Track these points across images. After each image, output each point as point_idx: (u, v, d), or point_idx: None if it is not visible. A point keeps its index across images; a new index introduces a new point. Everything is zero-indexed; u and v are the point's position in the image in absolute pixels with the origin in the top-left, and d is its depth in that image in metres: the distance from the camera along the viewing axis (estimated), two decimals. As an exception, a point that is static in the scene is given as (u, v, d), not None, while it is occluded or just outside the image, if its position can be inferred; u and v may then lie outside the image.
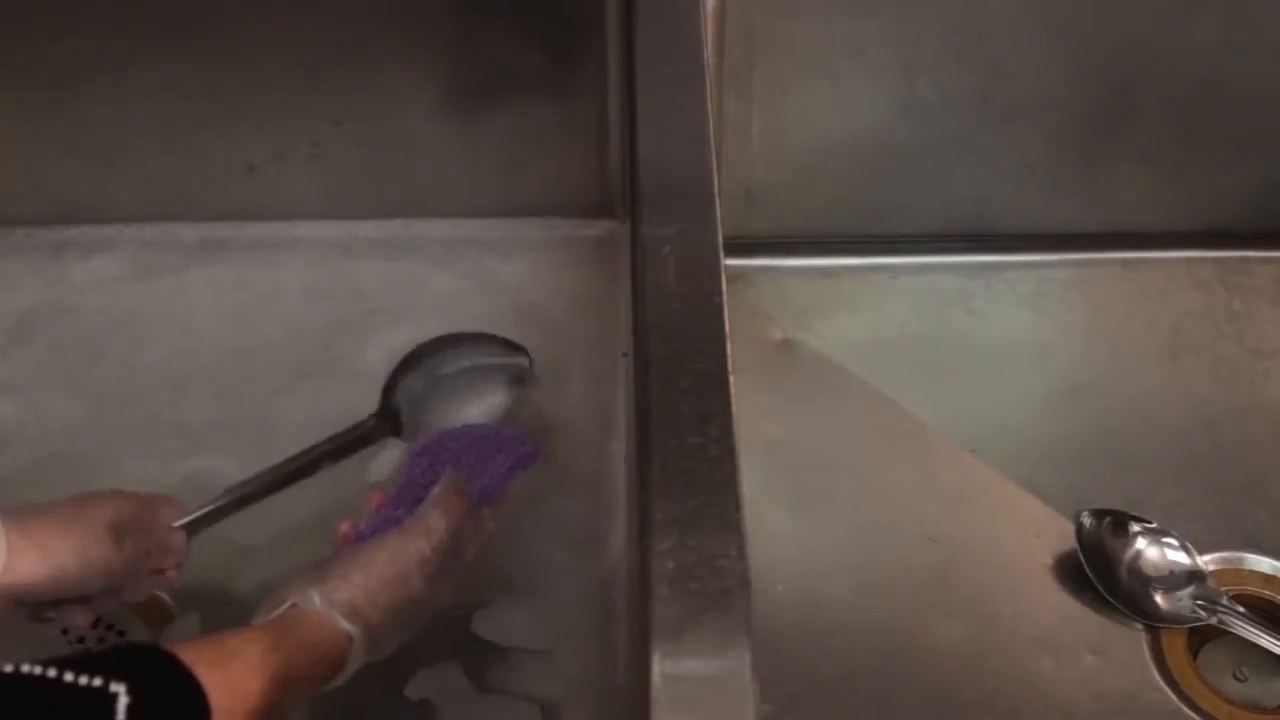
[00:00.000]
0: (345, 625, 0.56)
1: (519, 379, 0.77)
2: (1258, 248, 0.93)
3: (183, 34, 0.82)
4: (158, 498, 0.65)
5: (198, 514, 0.66)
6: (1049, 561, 0.75)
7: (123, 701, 0.45)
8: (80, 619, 0.62)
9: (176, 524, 0.66)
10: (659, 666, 0.44)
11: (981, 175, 0.90)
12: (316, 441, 0.72)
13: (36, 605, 0.60)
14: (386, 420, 0.75)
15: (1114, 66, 0.84)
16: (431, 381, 0.77)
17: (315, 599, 0.56)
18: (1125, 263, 0.92)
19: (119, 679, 0.45)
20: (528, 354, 0.78)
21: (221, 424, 0.81)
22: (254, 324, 0.87)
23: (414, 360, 0.77)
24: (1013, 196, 0.91)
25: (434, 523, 0.62)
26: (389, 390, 0.76)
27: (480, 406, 0.76)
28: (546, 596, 0.73)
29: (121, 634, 0.72)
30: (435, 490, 0.64)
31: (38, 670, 0.44)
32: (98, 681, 0.45)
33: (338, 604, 0.56)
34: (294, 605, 0.56)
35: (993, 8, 0.80)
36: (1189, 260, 0.92)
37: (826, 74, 0.83)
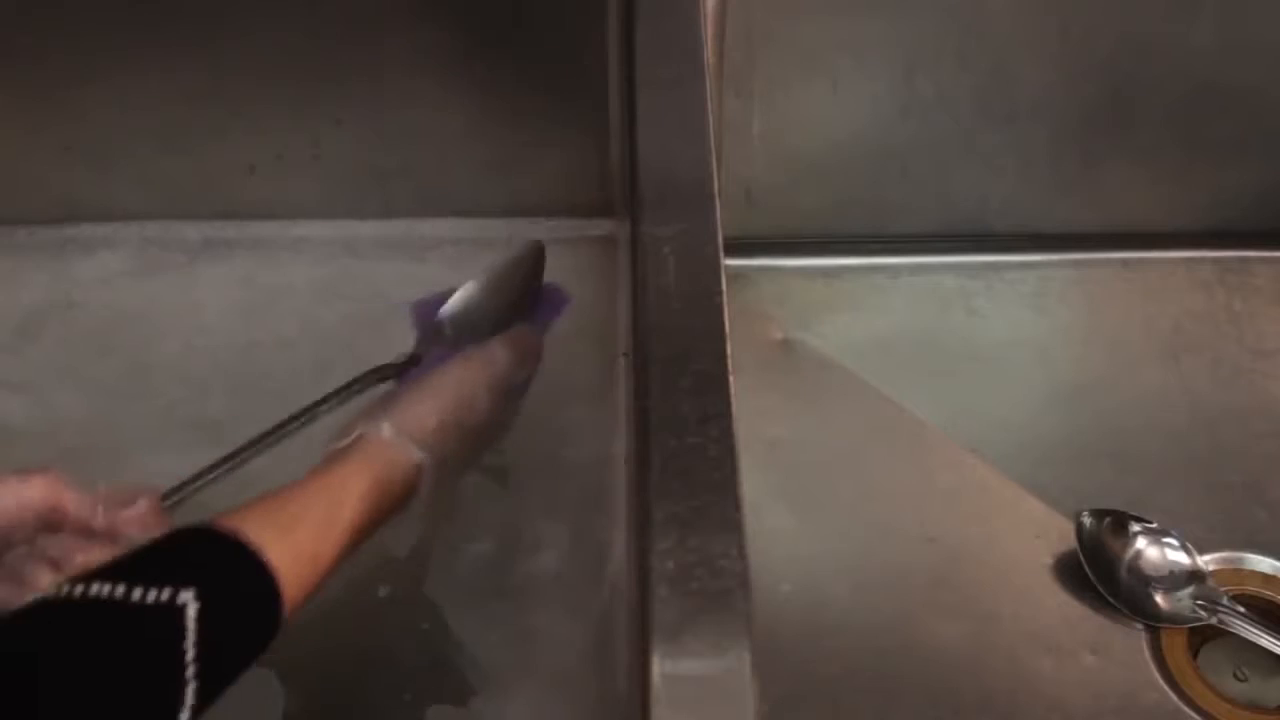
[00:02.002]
0: (416, 454, 0.56)
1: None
2: (1258, 248, 0.93)
3: (183, 33, 0.82)
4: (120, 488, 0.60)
5: (180, 495, 0.63)
6: (1049, 561, 0.75)
7: (192, 611, 0.44)
8: (11, 596, 0.54)
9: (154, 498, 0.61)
10: (659, 666, 0.44)
11: (981, 175, 0.90)
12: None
13: None
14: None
15: (1114, 66, 0.84)
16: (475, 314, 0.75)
17: (384, 428, 0.56)
18: (1125, 263, 0.92)
19: (186, 584, 0.44)
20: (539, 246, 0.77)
21: (241, 418, 0.80)
22: (267, 320, 0.87)
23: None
24: (1013, 196, 0.91)
25: (498, 352, 0.63)
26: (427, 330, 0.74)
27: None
28: (545, 596, 0.73)
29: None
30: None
31: (105, 591, 0.43)
32: (166, 594, 0.43)
33: (407, 431, 0.57)
34: (361, 436, 0.56)
35: (993, 8, 0.81)
36: (1189, 260, 0.92)
37: (826, 74, 0.84)
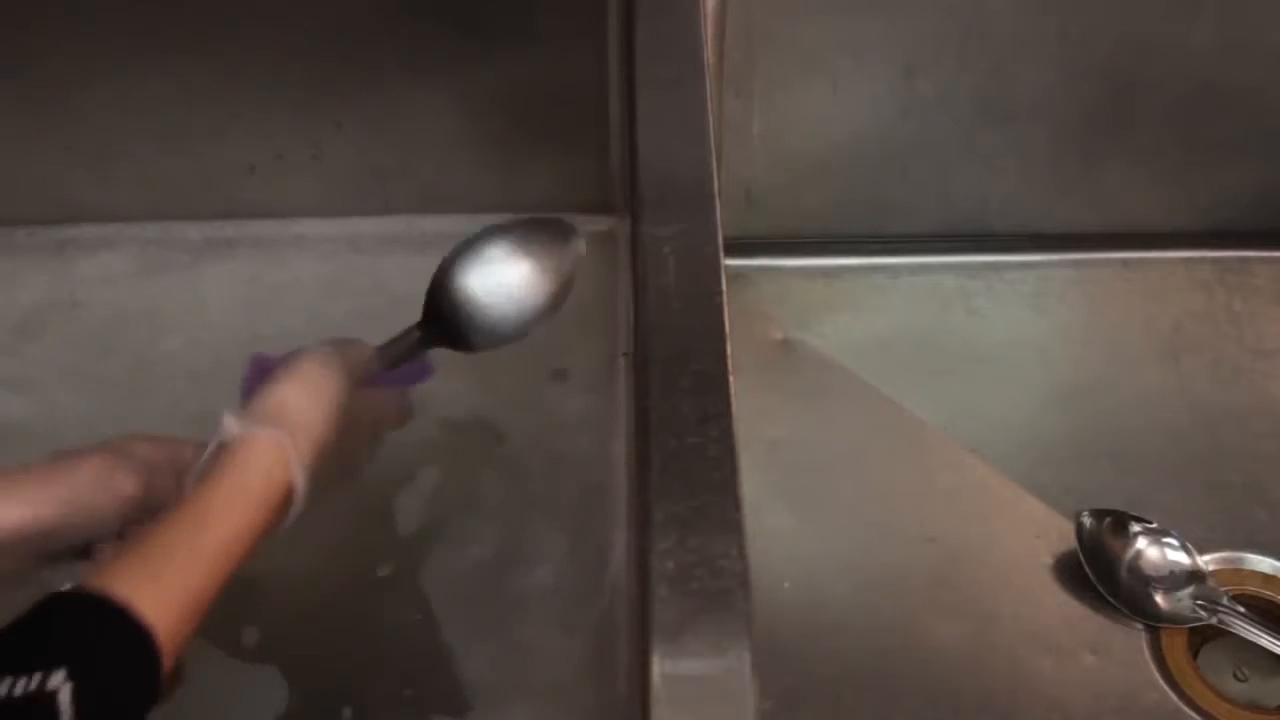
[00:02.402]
0: (272, 436, 0.54)
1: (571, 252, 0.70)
2: (1258, 248, 0.93)
3: (183, 34, 0.82)
4: (180, 440, 0.61)
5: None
6: (1049, 561, 0.75)
7: (65, 696, 0.42)
8: None
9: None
10: (659, 666, 0.44)
11: (981, 175, 0.90)
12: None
13: (57, 555, 0.56)
14: (436, 328, 0.68)
15: (1114, 66, 0.84)
16: (485, 279, 0.68)
17: (230, 424, 0.54)
18: (1125, 263, 0.92)
19: (56, 664, 0.42)
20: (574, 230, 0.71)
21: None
22: (272, 316, 0.87)
23: (459, 260, 0.69)
24: (1013, 196, 0.91)
25: (376, 393, 0.63)
26: (438, 294, 0.68)
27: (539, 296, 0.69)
28: (545, 595, 0.73)
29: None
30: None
31: None
32: (35, 682, 0.42)
33: (261, 420, 0.55)
34: (219, 445, 0.54)
35: (993, 8, 0.81)
36: (1189, 260, 0.92)
37: (826, 74, 0.84)
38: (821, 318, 0.89)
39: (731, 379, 0.53)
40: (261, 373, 0.64)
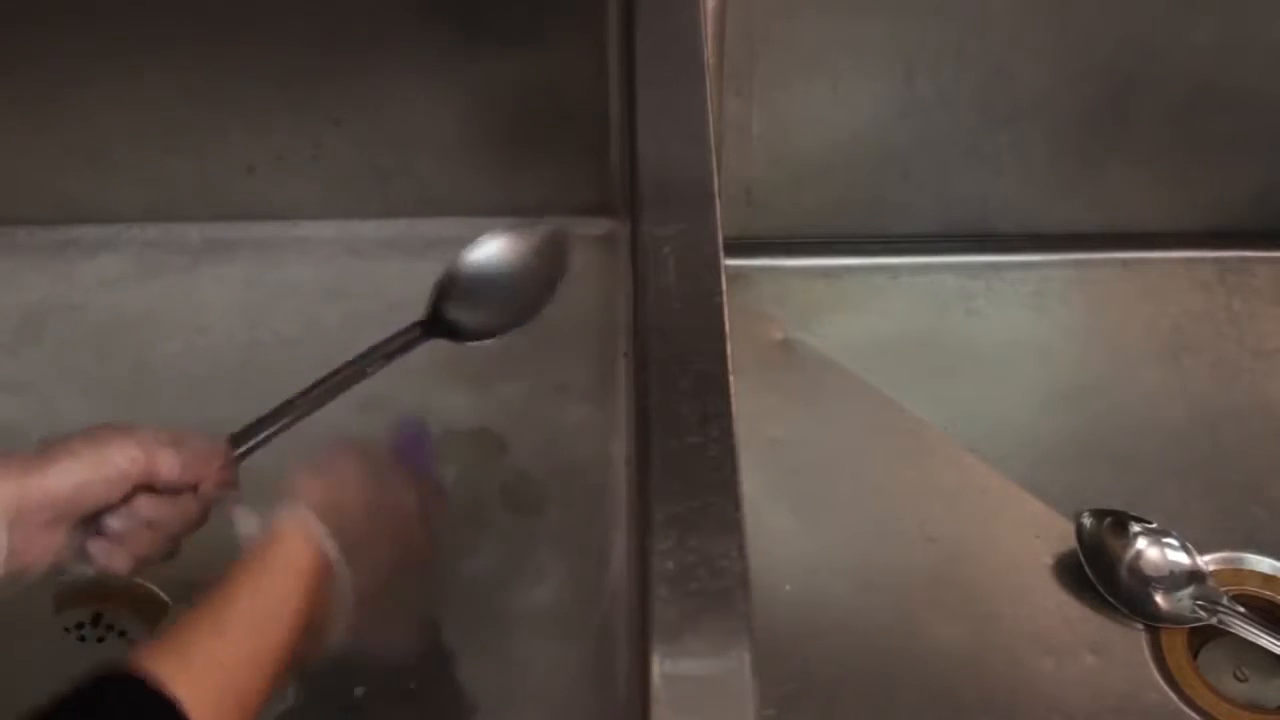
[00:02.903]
0: (316, 527, 0.53)
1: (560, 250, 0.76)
2: (1258, 248, 0.93)
3: (183, 34, 0.82)
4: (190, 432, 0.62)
5: (247, 431, 0.64)
6: (1049, 561, 0.75)
7: None
8: (118, 563, 0.58)
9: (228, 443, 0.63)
10: (659, 666, 0.44)
11: (981, 175, 0.90)
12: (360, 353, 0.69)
13: (78, 530, 0.57)
14: (437, 324, 0.72)
15: (1114, 66, 0.84)
16: (481, 281, 0.74)
17: (304, 515, 0.54)
18: (1125, 263, 0.92)
19: None
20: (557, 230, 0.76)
21: (245, 418, 0.81)
22: (270, 321, 0.88)
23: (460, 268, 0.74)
24: (1013, 196, 0.91)
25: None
26: (443, 294, 0.73)
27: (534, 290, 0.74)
28: (545, 596, 0.73)
29: (122, 634, 0.72)
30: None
31: None
32: None
33: (303, 502, 0.54)
34: (284, 526, 0.54)
35: (993, 8, 0.81)
36: (1189, 260, 0.92)
37: (826, 74, 0.84)
38: (821, 318, 0.89)
39: (731, 379, 0.53)
40: (417, 440, 0.67)
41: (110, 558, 0.58)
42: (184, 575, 0.71)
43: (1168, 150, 0.88)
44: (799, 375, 0.85)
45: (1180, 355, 0.87)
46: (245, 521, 0.55)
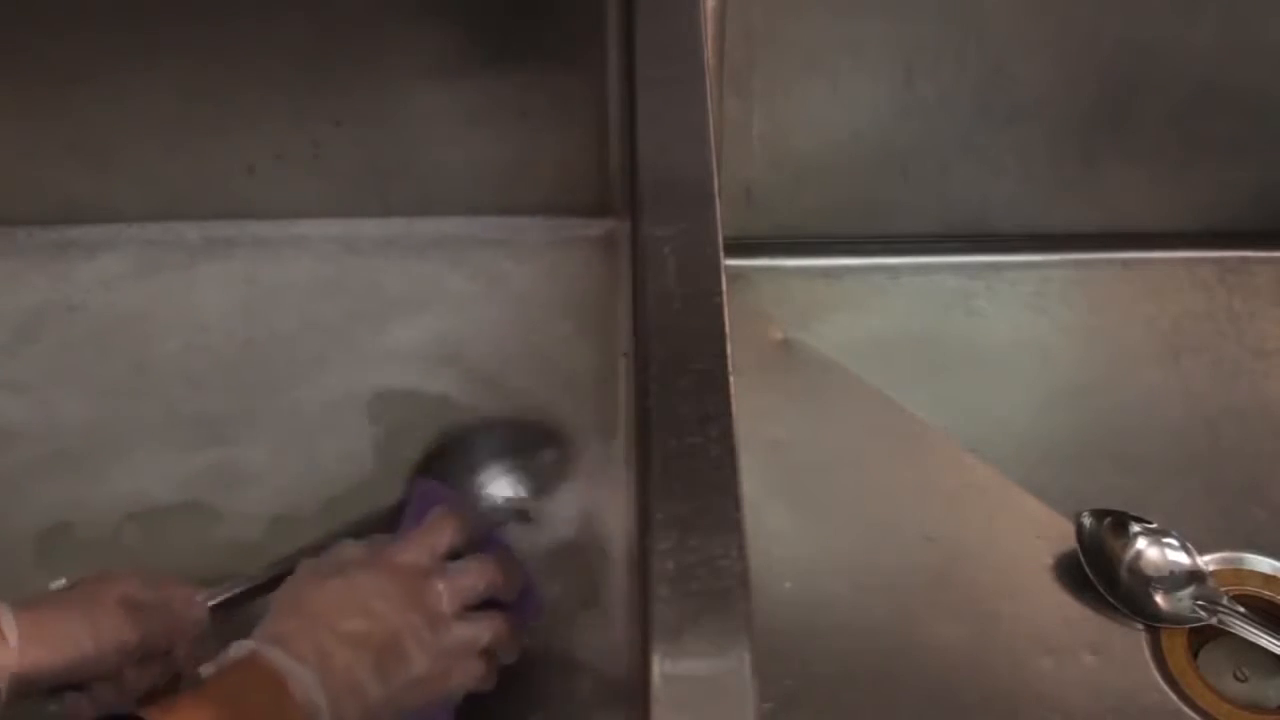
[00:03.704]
0: (290, 665, 0.51)
1: (552, 469, 0.75)
2: (1258, 248, 0.93)
3: (183, 34, 0.82)
4: (175, 580, 0.62)
5: (224, 596, 0.63)
6: (1049, 561, 0.75)
7: None
8: (85, 714, 0.58)
9: (203, 600, 0.62)
10: (659, 666, 0.44)
11: (981, 175, 0.90)
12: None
13: (46, 693, 0.57)
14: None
15: (1114, 66, 0.84)
16: (462, 473, 0.74)
17: (252, 643, 0.52)
18: (1125, 263, 0.92)
19: None
20: (558, 443, 0.76)
21: (242, 415, 0.81)
22: (268, 318, 0.87)
23: (441, 454, 0.75)
24: (1013, 196, 0.91)
25: (405, 555, 0.58)
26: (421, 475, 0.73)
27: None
28: (545, 597, 0.73)
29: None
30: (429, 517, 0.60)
31: None
32: None
33: (277, 639, 0.52)
34: (253, 655, 0.52)
35: (993, 8, 0.81)
36: (1189, 260, 0.92)
37: (826, 74, 0.84)
38: (821, 318, 0.89)
39: (731, 379, 0.53)
40: (428, 501, 0.64)
41: (77, 712, 0.58)
42: (190, 578, 0.71)
43: (1168, 151, 0.88)
44: (799, 375, 0.85)
45: (1180, 355, 0.87)
46: (238, 647, 0.53)
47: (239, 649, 0.53)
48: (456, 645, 0.58)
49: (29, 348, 0.86)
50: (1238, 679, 0.71)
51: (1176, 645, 0.71)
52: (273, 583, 0.62)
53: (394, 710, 0.55)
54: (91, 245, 0.92)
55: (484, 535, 0.65)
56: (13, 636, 0.54)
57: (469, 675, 0.59)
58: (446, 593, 0.58)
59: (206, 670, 0.52)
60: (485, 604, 0.61)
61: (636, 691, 0.46)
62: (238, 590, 0.63)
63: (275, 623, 0.55)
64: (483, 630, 0.59)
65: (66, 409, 0.82)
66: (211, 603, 0.62)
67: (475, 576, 0.60)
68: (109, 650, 0.57)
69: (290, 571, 0.59)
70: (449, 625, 0.58)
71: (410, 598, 0.57)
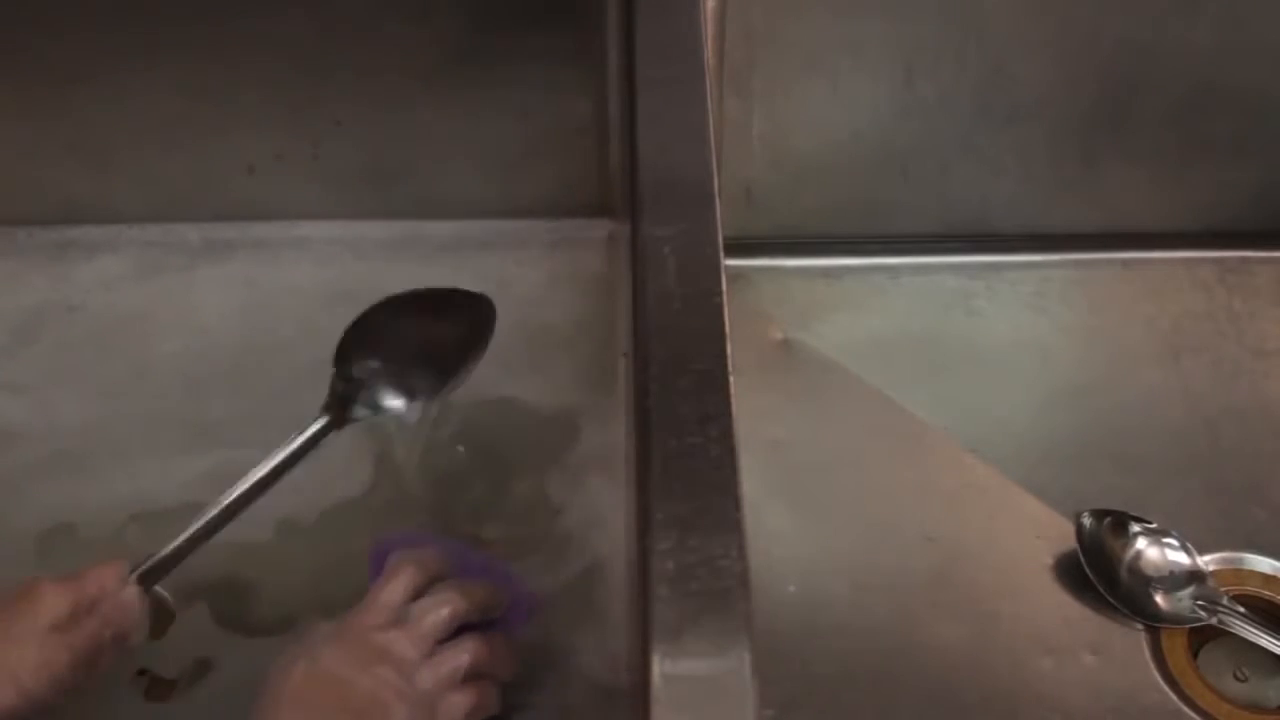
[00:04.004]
0: None
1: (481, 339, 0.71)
2: (1258, 248, 0.93)
3: (183, 34, 0.82)
4: (96, 568, 0.59)
5: (147, 564, 0.61)
6: (1049, 561, 0.75)
7: None
8: None
9: (133, 579, 0.60)
10: (659, 666, 0.44)
11: (981, 175, 0.90)
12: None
13: None
14: (339, 411, 0.69)
15: (1114, 67, 0.84)
16: (385, 356, 0.71)
17: None
18: (1125, 263, 0.92)
19: None
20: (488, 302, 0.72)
21: (242, 419, 0.81)
22: (268, 322, 0.87)
23: (360, 336, 0.71)
24: (1013, 196, 0.91)
25: (364, 616, 0.58)
26: (343, 375, 0.70)
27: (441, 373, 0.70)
28: (544, 597, 0.73)
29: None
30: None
31: None
32: None
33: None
34: None
35: (993, 8, 0.81)
36: (1189, 260, 0.92)
37: (826, 74, 0.84)
38: (821, 318, 0.89)
39: (731, 379, 0.53)
40: (383, 556, 0.63)
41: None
42: (188, 582, 0.71)
43: (1168, 150, 0.88)
44: (799, 375, 0.85)
45: (1180, 355, 0.87)
46: None
47: None
48: (435, 684, 0.58)
49: (28, 349, 0.86)
50: (1238, 679, 0.71)
51: (1176, 645, 0.71)
52: (192, 542, 0.62)
53: None
54: (91, 246, 0.92)
55: (458, 560, 0.65)
56: None
57: (459, 708, 0.59)
58: (407, 638, 0.58)
59: None
60: (471, 627, 0.61)
61: (636, 691, 0.46)
62: (165, 555, 0.62)
63: (259, 715, 0.55)
64: (459, 659, 0.59)
65: (66, 410, 0.82)
66: (136, 572, 0.61)
67: (435, 612, 0.60)
68: (43, 689, 0.55)
69: (212, 525, 0.61)
70: (420, 668, 0.58)
71: (375, 654, 0.57)
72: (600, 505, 0.77)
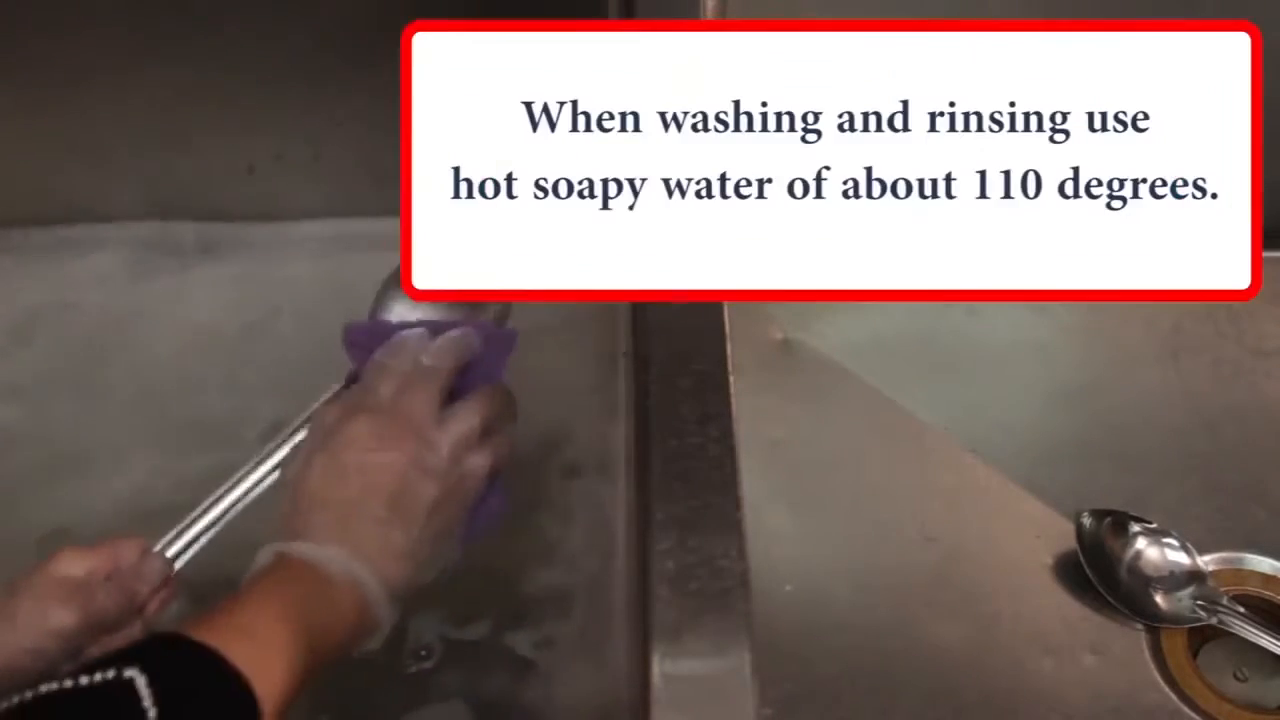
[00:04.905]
0: (316, 551, 0.51)
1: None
2: (1258, 248, 0.93)
3: (183, 33, 0.82)
4: (116, 539, 0.59)
5: (169, 538, 0.60)
6: (1049, 561, 0.75)
7: (142, 686, 0.41)
8: None
9: (157, 550, 0.59)
10: (659, 666, 0.44)
11: (981, 175, 0.89)
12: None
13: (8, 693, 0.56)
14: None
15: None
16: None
17: (272, 547, 0.52)
18: (1125, 263, 0.92)
19: (129, 663, 0.42)
20: None
21: (239, 418, 0.81)
22: (267, 322, 0.87)
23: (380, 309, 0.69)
24: (1013, 196, 0.91)
25: (370, 383, 0.56)
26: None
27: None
28: (545, 596, 0.73)
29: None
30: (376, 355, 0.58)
31: (54, 686, 0.41)
32: (111, 673, 0.41)
33: (294, 535, 0.52)
34: (280, 555, 0.52)
35: (992, 10, 0.80)
36: (1189, 260, 0.92)
37: (826, 74, 0.83)
38: (821, 318, 0.89)
39: (731, 379, 0.53)
40: (363, 342, 0.62)
41: None
42: (186, 574, 0.71)
43: (1168, 150, 0.88)
44: (799, 375, 0.85)
45: (1180, 355, 0.87)
46: (263, 554, 0.53)
47: (263, 556, 0.53)
48: (453, 449, 0.57)
49: (24, 349, 0.86)
50: (1238, 679, 0.71)
51: (1176, 645, 0.71)
52: (218, 517, 0.61)
53: (436, 544, 0.56)
54: (86, 246, 0.92)
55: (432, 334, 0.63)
56: None
57: (481, 469, 0.58)
58: (417, 400, 0.57)
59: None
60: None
61: (637, 691, 0.46)
62: (191, 525, 0.61)
63: (286, 522, 0.54)
64: (471, 420, 0.58)
65: (62, 410, 0.82)
66: (170, 552, 0.60)
67: (436, 367, 0.59)
68: (50, 643, 0.54)
69: (237, 498, 0.60)
70: (438, 431, 0.57)
71: (390, 429, 0.56)
72: (600, 505, 0.77)
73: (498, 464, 0.59)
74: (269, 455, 0.62)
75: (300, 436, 0.61)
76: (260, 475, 0.62)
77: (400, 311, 0.66)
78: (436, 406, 0.57)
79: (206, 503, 0.61)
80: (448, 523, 0.56)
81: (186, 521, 0.61)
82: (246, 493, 0.62)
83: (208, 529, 0.61)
